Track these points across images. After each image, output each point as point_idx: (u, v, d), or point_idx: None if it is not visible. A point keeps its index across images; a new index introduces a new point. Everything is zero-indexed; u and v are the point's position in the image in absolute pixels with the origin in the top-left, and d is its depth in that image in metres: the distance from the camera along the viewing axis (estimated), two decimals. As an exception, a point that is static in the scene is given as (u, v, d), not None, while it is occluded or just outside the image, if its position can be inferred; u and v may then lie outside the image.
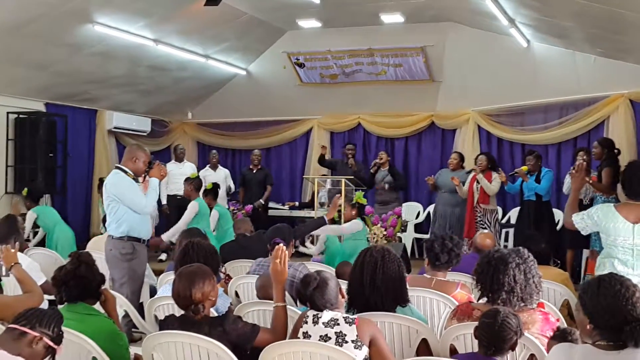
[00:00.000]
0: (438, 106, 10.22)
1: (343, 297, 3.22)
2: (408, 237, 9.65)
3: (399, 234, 8.16)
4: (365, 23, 9.36)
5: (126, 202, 5.11)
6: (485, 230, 5.66)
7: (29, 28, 7.37)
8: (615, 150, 7.03)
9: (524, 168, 7.76)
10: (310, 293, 3.08)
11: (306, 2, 8.27)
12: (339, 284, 3.20)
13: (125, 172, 5.19)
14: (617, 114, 8.28)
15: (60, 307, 3.19)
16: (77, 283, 3.20)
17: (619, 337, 2.28)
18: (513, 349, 2.74)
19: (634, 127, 8.19)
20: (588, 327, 2.37)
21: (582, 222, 4.12)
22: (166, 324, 3.10)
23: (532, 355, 2.94)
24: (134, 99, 10.46)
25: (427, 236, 9.62)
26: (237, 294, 4.63)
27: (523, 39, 8.55)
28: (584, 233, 4.28)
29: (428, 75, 9.86)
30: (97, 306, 3.42)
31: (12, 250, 3.82)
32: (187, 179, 7.58)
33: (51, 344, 2.57)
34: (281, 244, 3.37)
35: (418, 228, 10.02)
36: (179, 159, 10.02)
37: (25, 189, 8.24)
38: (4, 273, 4.17)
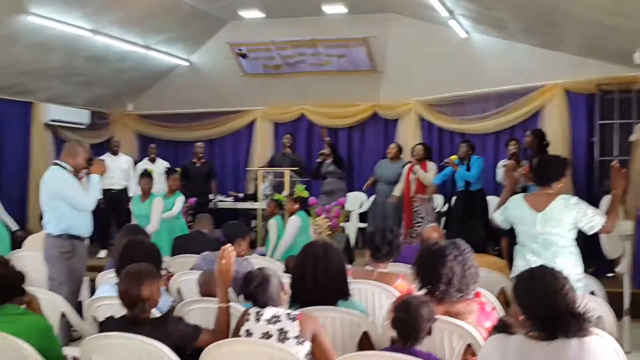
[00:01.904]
0: (381, 97, 10.31)
1: (285, 293, 3.23)
2: (352, 227, 9.73)
3: (342, 224, 8.23)
4: (309, 14, 9.36)
5: (67, 199, 4.99)
6: (433, 224, 5.76)
7: (-41, 19, 7.11)
8: (545, 142, 7.26)
9: (454, 157, 7.92)
10: (252, 290, 3.09)
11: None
12: (281, 280, 3.20)
13: (65, 168, 5.06)
14: (552, 103, 8.52)
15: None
16: (1, 284, 3.12)
17: (550, 328, 2.35)
18: (429, 334, 2.84)
19: (568, 116, 8.45)
20: (521, 317, 2.44)
21: (499, 216, 4.37)
22: (106, 325, 3.05)
23: (468, 345, 3.02)
24: (72, 91, 10.18)
25: (369, 225, 9.76)
26: (179, 292, 4.59)
27: (462, 31, 8.69)
28: (503, 227, 4.49)
29: (371, 66, 9.93)
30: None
31: None
32: (146, 174, 7.63)
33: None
34: (228, 245, 3.34)
35: (362, 217, 10.09)
36: (114, 152, 9.82)
37: None
38: None
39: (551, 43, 8.07)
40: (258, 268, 3.27)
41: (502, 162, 7.91)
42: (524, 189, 7.16)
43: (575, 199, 4.21)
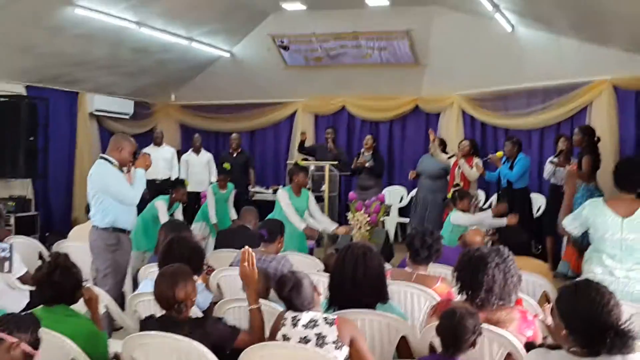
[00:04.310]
0: (423, 90, 10.20)
1: (319, 294, 3.24)
2: (391, 222, 9.70)
3: (382, 219, 8.18)
4: (350, 6, 9.27)
5: (113, 194, 5.06)
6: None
7: (9, 10, 7.24)
8: (596, 138, 7.07)
9: (499, 154, 7.81)
10: (286, 294, 3.10)
11: (290, -16, 8.19)
12: (312, 282, 3.21)
13: (111, 162, 5.13)
14: (600, 99, 8.30)
15: (38, 308, 3.18)
16: (51, 288, 3.17)
17: (593, 344, 2.31)
18: (473, 346, 2.80)
19: (616, 113, 8.23)
20: (563, 332, 2.40)
21: (572, 223, 4.12)
22: (147, 324, 3.10)
23: (508, 354, 2.98)
24: (116, 81, 10.34)
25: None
26: (218, 287, 4.63)
27: (507, 24, 8.52)
28: (575, 234, 4.26)
29: (413, 59, 9.82)
30: (80, 303, 3.39)
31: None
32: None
33: (29, 349, 2.56)
34: (247, 248, 3.36)
35: (401, 212, 10.06)
36: (157, 143, 9.99)
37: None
38: (5, 269, 4.14)
39: (599, 38, 7.83)
40: (290, 271, 3.29)
41: (550, 159, 7.75)
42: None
43: None
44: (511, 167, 7.65)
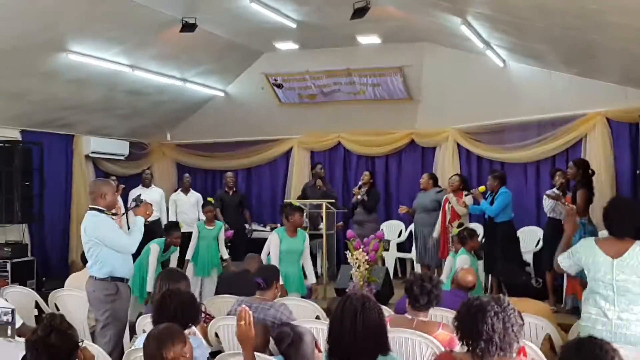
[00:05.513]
0: (417, 124, 10.22)
1: (320, 351, 3.18)
2: (390, 257, 9.64)
3: (381, 254, 8.14)
4: (343, 44, 9.38)
5: (109, 244, 5.02)
6: (466, 266, 5.64)
7: (3, 59, 7.28)
8: (590, 171, 7.07)
9: (481, 188, 7.81)
10: (284, 350, 3.04)
11: (282, 26, 8.25)
12: (314, 337, 3.15)
13: (102, 211, 5.11)
14: (594, 132, 8.35)
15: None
16: (47, 352, 3.11)
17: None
18: None
19: (610, 145, 8.27)
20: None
21: (566, 261, 4.07)
22: (144, 385, 3.04)
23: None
24: (111, 123, 10.36)
25: (409, 255, 9.63)
26: (217, 336, 4.58)
27: (499, 59, 8.59)
28: (571, 273, 4.21)
29: (407, 94, 9.88)
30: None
31: None
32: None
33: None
34: (244, 307, 3.31)
35: (400, 247, 10.00)
36: (146, 185, 9.95)
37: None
38: (8, 334, 4.08)
39: (590, 72, 7.91)
40: (291, 325, 3.23)
41: (547, 192, 7.72)
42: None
43: None
44: (492, 202, 7.63)
